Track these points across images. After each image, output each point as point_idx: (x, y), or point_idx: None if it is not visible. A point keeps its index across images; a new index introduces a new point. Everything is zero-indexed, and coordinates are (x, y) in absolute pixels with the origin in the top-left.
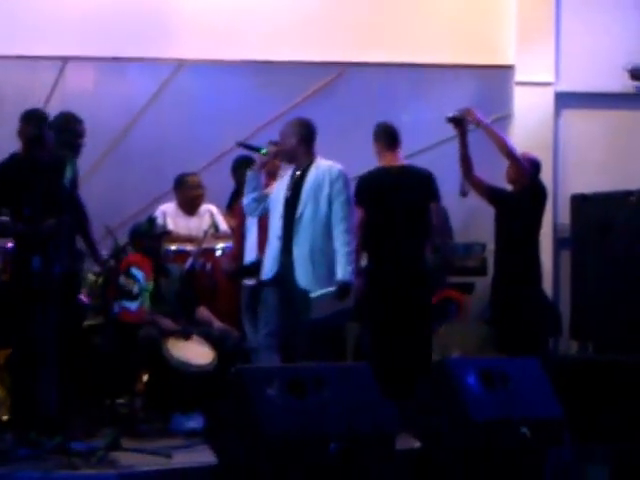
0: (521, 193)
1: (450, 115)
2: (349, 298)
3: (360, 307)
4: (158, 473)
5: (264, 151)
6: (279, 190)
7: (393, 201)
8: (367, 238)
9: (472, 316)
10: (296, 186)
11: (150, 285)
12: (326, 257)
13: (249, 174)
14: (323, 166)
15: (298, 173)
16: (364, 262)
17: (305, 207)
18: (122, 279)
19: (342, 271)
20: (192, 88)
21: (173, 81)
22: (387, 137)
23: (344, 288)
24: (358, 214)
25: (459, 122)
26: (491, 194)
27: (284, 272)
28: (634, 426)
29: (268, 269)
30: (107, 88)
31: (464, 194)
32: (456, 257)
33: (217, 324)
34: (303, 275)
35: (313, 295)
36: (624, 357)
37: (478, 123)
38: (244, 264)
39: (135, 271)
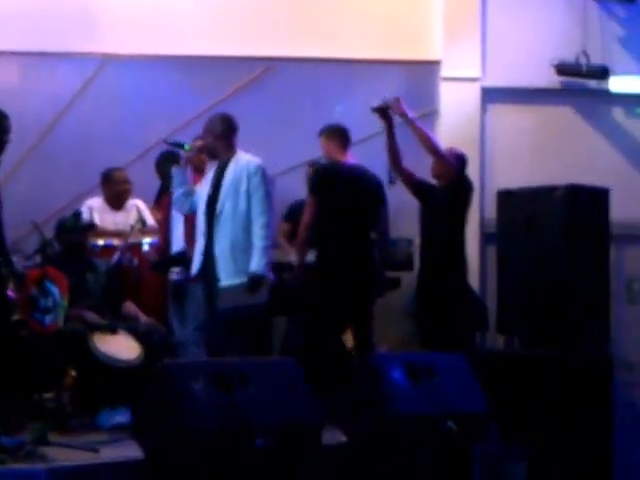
0: (447, 188)
1: (375, 105)
2: (263, 292)
3: (289, 301)
4: (85, 468)
5: (187, 147)
6: (203, 186)
7: (349, 196)
8: (318, 232)
9: (398, 311)
10: (217, 182)
11: (65, 302)
12: (247, 252)
13: (174, 170)
14: (242, 161)
15: (219, 169)
16: (311, 257)
17: (225, 203)
18: (35, 291)
19: (255, 264)
20: (118, 83)
21: (99, 76)
22: (342, 137)
23: (255, 280)
24: (311, 206)
25: (384, 112)
26: (417, 187)
27: (208, 268)
28: (558, 420)
29: (194, 265)
30: (32, 83)
31: (392, 182)
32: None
33: (143, 318)
34: (225, 270)
35: (222, 284)
36: (549, 351)
37: (402, 115)
38: (169, 255)
39: (50, 286)
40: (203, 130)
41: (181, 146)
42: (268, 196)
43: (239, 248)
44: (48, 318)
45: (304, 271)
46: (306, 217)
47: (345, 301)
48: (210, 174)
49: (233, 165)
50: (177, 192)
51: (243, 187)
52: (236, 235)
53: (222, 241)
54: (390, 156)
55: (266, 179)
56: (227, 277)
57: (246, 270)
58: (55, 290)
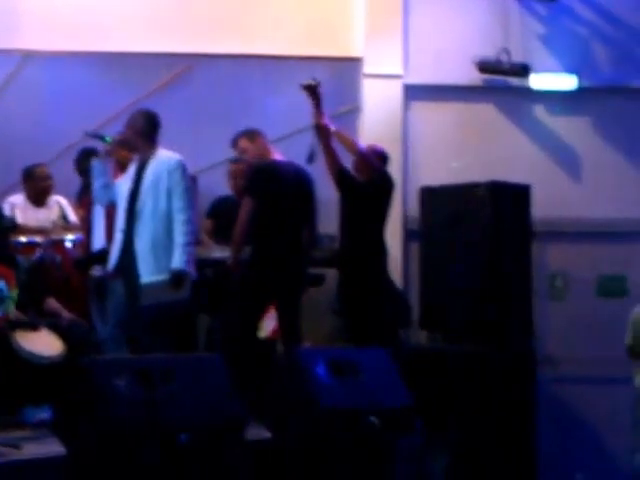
0: (368, 184)
1: (304, 83)
2: (185, 288)
3: (213, 298)
4: (7, 464)
5: (108, 139)
6: (124, 182)
7: (285, 195)
8: (254, 229)
9: (323, 307)
10: (137, 178)
11: (14, 294)
12: (168, 249)
13: (94, 162)
14: (162, 157)
15: (140, 165)
16: (246, 254)
17: (145, 200)
18: None
19: (176, 260)
20: (39, 80)
21: (20, 73)
22: (263, 137)
23: (177, 277)
24: (248, 204)
25: (313, 89)
26: (340, 174)
27: (127, 265)
28: (481, 415)
29: (111, 261)
30: None
31: (311, 160)
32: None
33: (65, 315)
34: (145, 267)
35: (143, 281)
36: (472, 346)
37: (324, 128)
38: (92, 252)
39: None
40: (125, 125)
41: (102, 138)
42: (188, 192)
43: (160, 245)
44: None
45: (239, 268)
46: (243, 215)
47: (272, 296)
48: (131, 170)
49: (154, 162)
50: (96, 184)
51: (163, 184)
52: (157, 232)
53: (143, 238)
54: (319, 132)
55: (186, 175)
56: (148, 274)
57: (167, 267)
58: (1, 284)
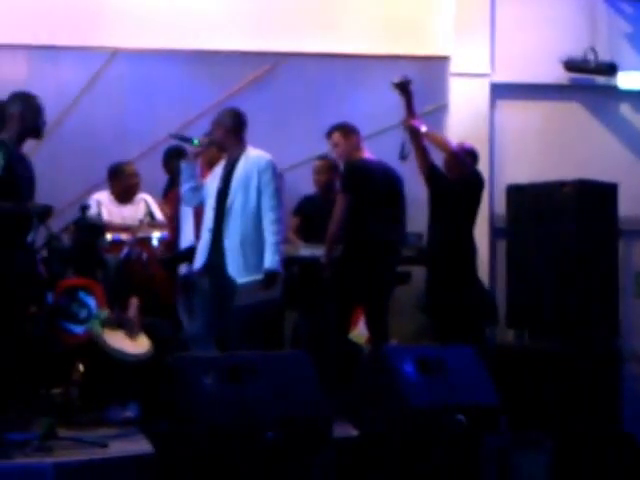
0: (459, 183)
1: (395, 80)
2: (277, 287)
3: (294, 294)
4: (94, 462)
5: (196, 142)
6: (212, 181)
7: (377, 193)
8: (347, 227)
9: (409, 305)
10: (227, 177)
11: (104, 313)
12: (257, 247)
13: (182, 165)
14: (252, 156)
15: (229, 164)
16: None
17: (235, 198)
18: (65, 300)
19: (269, 260)
20: (125, 77)
21: (106, 70)
22: (358, 135)
23: (270, 276)
24: (343, 201)
25: (404, 87)
26: (431, 172)
27: (215, 263)
28: (568, 412)
29: (198, 259)
30: (39, 77)
31: (404, 157)
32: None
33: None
34: (234, 265)
35: (239, 282)
36: (558, 345)
37: (415, 131)
38: (180, 251)
39: (84, 296)
40: (212, 124)
41: (189, 141)
42: (278, 192)
43: (249, 243)
44: (79, 328)
45: (332, 266)
46: (338, 212)
47: (363, 295)
48: (219, 169)
49: (243, 161)
50: (185, 187)
51: (254, 183)
52: (246, 231)
53: (232, 236)
54: (410, 132)
55: (276, 175)
56: (237, 273)
57: (255, 265)
58: (91, 301)
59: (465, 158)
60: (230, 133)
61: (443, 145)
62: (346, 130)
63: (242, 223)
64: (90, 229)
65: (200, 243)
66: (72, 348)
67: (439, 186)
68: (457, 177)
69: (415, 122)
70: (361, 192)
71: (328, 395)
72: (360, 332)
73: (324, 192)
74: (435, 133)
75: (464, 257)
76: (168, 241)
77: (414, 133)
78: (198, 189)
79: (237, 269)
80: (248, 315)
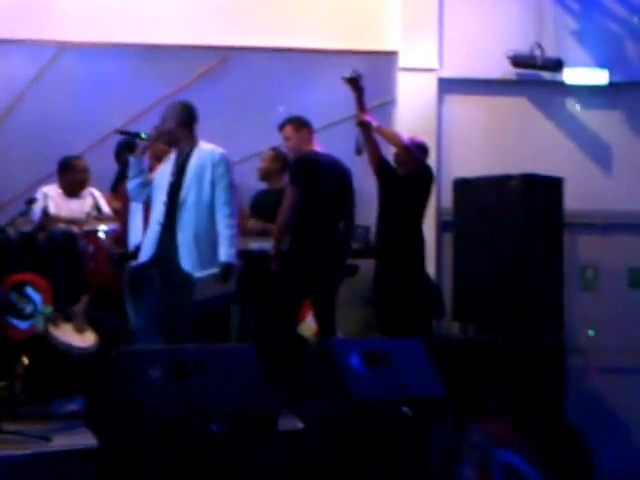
0: (409, 177)
1: (347, 75)
2: (231, 281)
3: (241, 288)
4: (37, 456)
5: (144, 135)
6: (162, 175)
7: (326, 186)
8: (295, 220)
9: (356, 298)
10: (179, 171)
11: (48, 309)
12: (210, 241)
13: (131, 159)
14: (205, 150)
15: (180, 158)
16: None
17: (188, 192)
18: (13, 296)
19: (225, 253)
20: (74, 71)
21: (55, 64)
22: (310, 128)
23: (227, 270)
24: (292, 194)
25: (356, 82)
26: (381, 166)
27: (167, 256)
28: (513, 405)
29: (146, 252)
30: None
31: (359, 152)
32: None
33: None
34: (188, 260)
35: (197, 276)
36: (503, 337)
37: (366, 125)
38: (130, 249)
39: (31, 292)
40: (162, 117)
41: (136, 135)
42: (232, 185)
43: (203, 237)
44: (24, 324)
45: (280, 259)
46: (287, 204)
47: (311, 287)
48: (169, 163)
49: (196, 154)
50: (133, 182)
51: (207, 176)
52: (199, 225)
53: (186, 230)
54: (361, 127)
55: (230, 168)
56: (193, 267)
57: (210, 259)
58: (37, 298)
59: (416, 152)
60: (181, 126)
61: (395, 140)
62: (298, 123)
63: (196, 217)
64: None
65: (147, 236)
66: (15, 343)
67: (389, 180)
68: (407, 172)
69: (367, 117)
70: (309, 185)
71: (274, 388)
72: (309, 325)
73: (263, 179)
74: (387, 128)
75: (412, 251)
76: (118, 235)
77: (366, 128)
78: (146, 184)
79: (192, 263)
80: (204, 309)
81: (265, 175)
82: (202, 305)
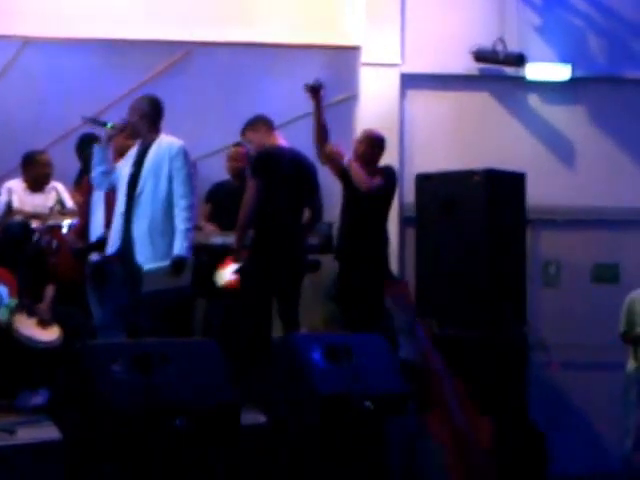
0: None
1: (310, 83)
2: (186, 275)
3: (204, 282)
4: (1, 449)
5: (110, 125)
6: (124, 166)
7: (286, 179)
8: (258, 213)
9: (318, 293)
10: (139, 163)
11: (13, 301)
12: (166, 235)
13: (96, 148)
14: (164, 142)
15: (141, 149)
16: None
17: (145, 185)
18: None
19: (178, 246)
20: (37, 66)
21: (18, 59)
22: (265, 124)
23: (178, 263)
24: (253, 187)
25: (316, 91)
26: (345, 175)
27: (125, 248)
28: (475, 399)
29: (111, 244)
30: None
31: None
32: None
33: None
34: (142, 253)
35: (145, 268)
36: (466, 333)
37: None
38: (91, 242)
39: None
40: (129, 109)
41: (103, 124)
42: (190, 178)
43: (157, 230)
44: None
45: (244, 252)
46: (249, 197)
47: (276, 282)
48: (131, 154)
49: (156, 147)
50: (97, 170)
51: (165, 169)
52: (155, 217)
53: (140, 222)
54: (317, 134)
55: (188, 161)
56: (145, 260)
57: (165, 253)
58: (2, 290)
59: (380, 185)
60: (145, 119)
61: (359, 181)
62: (254, 124)
63: (151, 210)
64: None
65: (113, 228)
66: None
67: (353, 187)
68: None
69: (339, 149)
70: (270, 177)
71: (238, 382)
72: (222, 274)
73: (236, 179)
74: (355, 169)
75: (374, 246)
76: (79, 229)
77: (333, 157)
78: (109, 173)
79: (145, 256)
80: (155, 302)
81: (238, 173)
82: (152, 297)
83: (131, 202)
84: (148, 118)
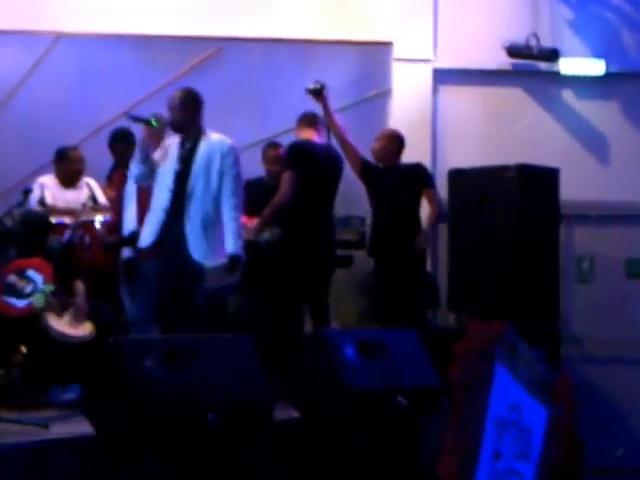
0: (392, 167)
1: (310, 87)
2: (237, 273)
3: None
4: (35, 444)
5: (154, 122)
6: (163, 161)
7: (322, 173)
8: (293, 206)
9: (351, 288)
10: (187, 159)
11: (49, 287)
12: (218, 230)
13: (138, 145)
14: (214, 140)
15: (188, 146)
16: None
17: (197, 181)
18: (12, 278)
19: (232, 245)
20: (69, 61)
21: (50, 54)
22: (308, 119)
23: (235, 261)
24: (290, 178)
25: (318, 93)
26: (363, 168)
27: (173, 244)
28: None
29: (146, 237)
30: None
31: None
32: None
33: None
34: (198, 249)
35: (207, 265)
36: None
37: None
38: (123, 235)
39: (32, 273)
40: (169, 105)
41: (146, 121)
42: (239, 177)
43: (210, 227)
44: (21, 303)
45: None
46: (284, 189)
47: (308, 278)
48: (172, 149)
49: (205, 144)
50: (140, 167)
51: (215, 166)
52: (207, 214)
53: (194, 220)
54: (334, 134)
55: (238, 160)
56: (203, 256)
57: (217, 250)
58: (38, 277)
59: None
60: (190, 114)
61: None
62: (298, 121)
63: (202, 206)
64: (34, 224)
65: (149, 221)
66: (12, 322)
67: (374, 177)
68: (390, 163)
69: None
70: (304, 171)
71: (270, 378)
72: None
73: (273, 180)
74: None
75: (409, 242)
76: (111, 224)
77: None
78: (153, 171)
79: (202, 253)
80: (210, 299)
81: (278, 176)
82: (208, 295)
83: (180, 199)
84: (191, 113)
